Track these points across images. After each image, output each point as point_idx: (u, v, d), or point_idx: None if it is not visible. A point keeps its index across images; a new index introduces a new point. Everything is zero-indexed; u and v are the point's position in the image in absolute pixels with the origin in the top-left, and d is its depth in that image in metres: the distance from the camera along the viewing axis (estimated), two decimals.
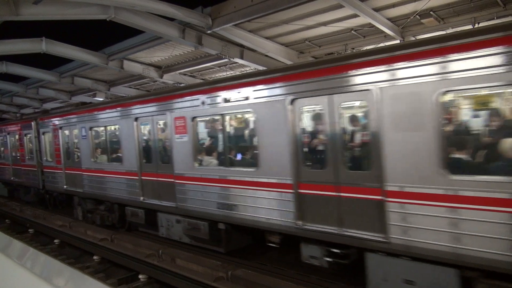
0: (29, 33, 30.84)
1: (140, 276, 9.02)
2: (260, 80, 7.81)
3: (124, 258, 10.09)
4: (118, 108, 11.78)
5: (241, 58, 14.84)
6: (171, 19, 12.17)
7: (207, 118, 9.57)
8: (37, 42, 13.74)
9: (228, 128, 9.06)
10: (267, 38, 13.82)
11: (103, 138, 13.16)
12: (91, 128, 13.20)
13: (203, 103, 8.96)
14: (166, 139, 10.34)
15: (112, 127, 12.59)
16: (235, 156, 9.06)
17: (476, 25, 10.79)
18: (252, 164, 8.28)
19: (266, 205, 7.80)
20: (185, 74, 18.74)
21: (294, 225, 7.32)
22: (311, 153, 7.41)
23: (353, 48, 13.28)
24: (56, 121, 15.35)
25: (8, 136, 20.64)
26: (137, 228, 12.56)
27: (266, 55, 14.66)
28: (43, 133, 16.55)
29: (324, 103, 6.86)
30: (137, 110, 11.00)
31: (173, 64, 17.55)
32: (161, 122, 10.52)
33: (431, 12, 10.94)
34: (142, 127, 11.14)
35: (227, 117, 8.90)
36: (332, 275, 7.82)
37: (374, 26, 11.70)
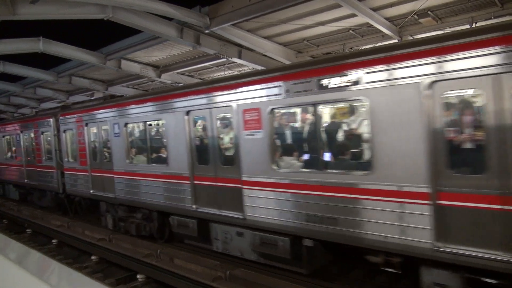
0: (26, 32, 30.77)
1: (138, 276, 9.00)
2: (381, 58, 6.06)
3: (122, 258, 10.07)
4: (164, 101, 9.97)
5: (239, 57, 14.83)
6: (169, 19, 12.17)
7: (293, 110, 7.93)
8: (35, 41, 13.71)
9: (323, 122, 7.33)
10: (265, 37, 13.82)
11: (142, 135, 11.49)
12: (126, 124, 11.30)
13: (287, 91, 7.21)
14: (230, 136, 8.77)
15: (155, 123, 10.98)
16: (334, 156, 7.27)
17: (474, 25, 10.83)
18: (361, 166, 6.59)
19: (383, 219, 6.10)
20: (183, 74, 18.74)
21: (432, 246, 5.61)
22: (461, 152, 5.69)
23: (351, 48, 13.29)
24: (81, 116, 13.39)
25: (21, 134, 18.48)
26: (182, 240, 10.61)
27: (264, 55, 14.66)
28: (64, 131, 14.56)
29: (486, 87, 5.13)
30: (189, 102, 9.23)
31: (171, 63, 17.54)
32: (222, 116, 8.86)
33: (429, 12, 10.96)
34: (195, 122, 9.43)
35: (323, 108, 7.24)
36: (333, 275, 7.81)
37: (372, 25, 11.72)
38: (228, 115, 8.55)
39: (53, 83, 20.98)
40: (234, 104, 8.17)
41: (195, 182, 9.29)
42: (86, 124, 13.06)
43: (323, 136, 7.20)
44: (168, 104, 9.82)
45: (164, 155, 10.33)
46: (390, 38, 12.35)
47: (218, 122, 8.88)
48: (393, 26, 12.11)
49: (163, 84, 19.94)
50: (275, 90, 7.40)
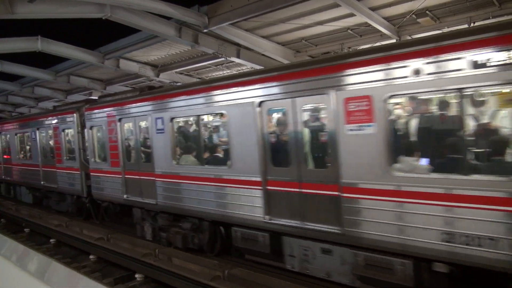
0: (24, 31, 30.73)
1: (136, 276, 9.00)
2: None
3: (121, 257, 10.06)
4: (225, 90, 8.37)
5: (238, 57, 14.83)
6: (168, 18, 12.17)
7: (425, 97, 6.13)
8: (33, 40, 13.68)
9: (478, 112, 5.72)
10: (263, 37, 13.82)
11: (193, 132, 9.92)
12: (172, 119, 9.67)
13: (416, 72, 5.62)
14: (323, 131, 7.11)
15: (211, 117, 9.68)
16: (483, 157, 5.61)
17: (472, 24, 10.85)
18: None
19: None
20: (181, 73, 18.73)
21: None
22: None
23: (349, 48, 13.31)
24: (113, 111, 11.62)
25: (37, 132, 16.69)
26: (242, 255, 8.97)
27: (263, 54, 14.66)
28: (91, 127, 12.79)
29: None
30: (262, 90, 7.62)
31: (169, 63, 17.53)
32: (311, 107, 7.36)
33: (427, 12, 10.98)
34: (270, 115, 7.90)
35: (474, 93, 5.47)
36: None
37: (371, 25, 11.74)
38: (321, 105, 7.04)
39: (51, 82, 20.95)
40: (331, 92, 6.56)
41: (269, 187, 7.65)
42: (119, 120, 11.35)
43: (469, 131, 5.56)
44: (232, 94, 8.19)
45: (222, 155, 9.07)
46: (389, 37, 12.37)
47: (305, 114, 7.29)
48: (391, 26, 12.13)
49: (162, 83, 19.93)
50: (398, 72, 5.80)
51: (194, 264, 8.86)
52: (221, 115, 8.77)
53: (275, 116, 8.05)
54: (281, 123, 7.79)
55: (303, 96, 7.03)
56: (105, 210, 13.70)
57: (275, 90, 7.45)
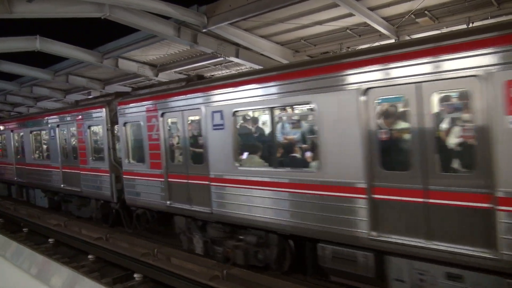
0: (23, 31, 30.70)
1: (135, 275, 9.00)
2: None
3: (119, 257, 10.07)
4: (313, 76, 6.83)
5: (237, 56, 14.82)
6: (167, 18, 12.15)
7: None
8: (31, 40, 13.65)
9: None
10: (262, 36, 13.81)
11: (264, 128, 8.46)
12: (235, 113, 8.20)
13: None
14: (466, 124, 5.51)
15: (290, 109, 8.02)
16: None
17: (471, 25, 10.86)
18: None
19: None
20: (180, 73, 18.70)
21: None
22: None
23: (348, 47, 13.31)
24: (154, 104, 10.18)
25: (57, 129, 15.19)
26: (326, 275, 7.37)
27: (262, 54, 14.66)
28: (125, 124, 11.27)
29: None
30: (368, 75, 6.11)
31: (168, 62, 17.51)
32: (452, 93, 5.80)
33: (426, 12, 10.98)
34: (381, 105, 6.30)
35: None
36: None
37: (369, 25, 11.74)
38: (463, 88, 5.36)
39: (50, 82, 20.92)
40: (480, 73, 5.01)
41: (376, 196, 6.15)
42: (162, 115, 9.90)
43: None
44: (323, 81, 6.66)
45: (307, 156, 7.55)
46: (388, 37, 12.38)
47: (437, 103, 5.70)
48: (390, 26, 12.13)
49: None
50: None
51: (193, 263, 8.87)
52: (307, 106, 7.31)
53: (387, 106, 6.43)
54: (395, 115, 6.27)
55: (438, 80, 5.42)
56: (138, 218, 11.63)
57: (389, 74, 5.90)
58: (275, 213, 7.45)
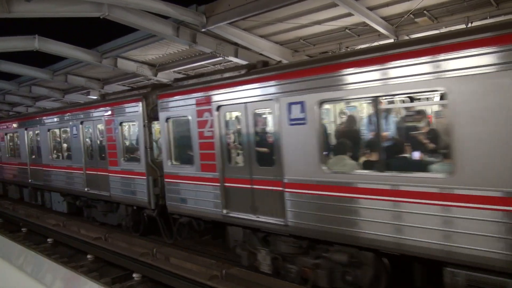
0: (22, 30, 30.64)
1: (134, 275, 9.00)
2: None
3: (118, 257, 10.06)
4: (446, 54, 5.24)
5: (236, 56, 14.82)
6: (166, 17, 12.14)
7: None
8: (30, 39, 13.62)
9: None
10: (261, 36, 13.81)
11: (363, 122, 7.22)
12: (321, 104, 6.75)
13: None
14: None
15: (406, 99, 6.80)
16: None
17: (470, 24, 10.87)
18: None
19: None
20: (179, 73, 18.69)
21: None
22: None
23: (347, 47, 13.31)
24: (206, 96, 8.82)
25: (80, 126, 13.77)
26: None
27: (261, 54, 14.65)
28: (167, 119, 9.95)
29: None
30: None
31: (167, 62, 17.50)
32: None
33: (425, 11, 10.99)
34: None
35: None
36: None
37: (368, 25, 11.75)
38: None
39: (48, 82, 20.87)
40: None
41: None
42: (218, 108, 8.53)
43: None
44: (460, 61, 5.13)
45: (435, 159, 5.93)
46: (387, 37, 12.39)
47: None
48: (389, 26, 12.14)
49: (160, 82, 19.90)
50: None
51: (192, 263, 8.86)
52: (434, 94, 5.98)
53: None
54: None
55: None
56: (180, 227, 10.34)
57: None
58: (380, 228, 6.04)
